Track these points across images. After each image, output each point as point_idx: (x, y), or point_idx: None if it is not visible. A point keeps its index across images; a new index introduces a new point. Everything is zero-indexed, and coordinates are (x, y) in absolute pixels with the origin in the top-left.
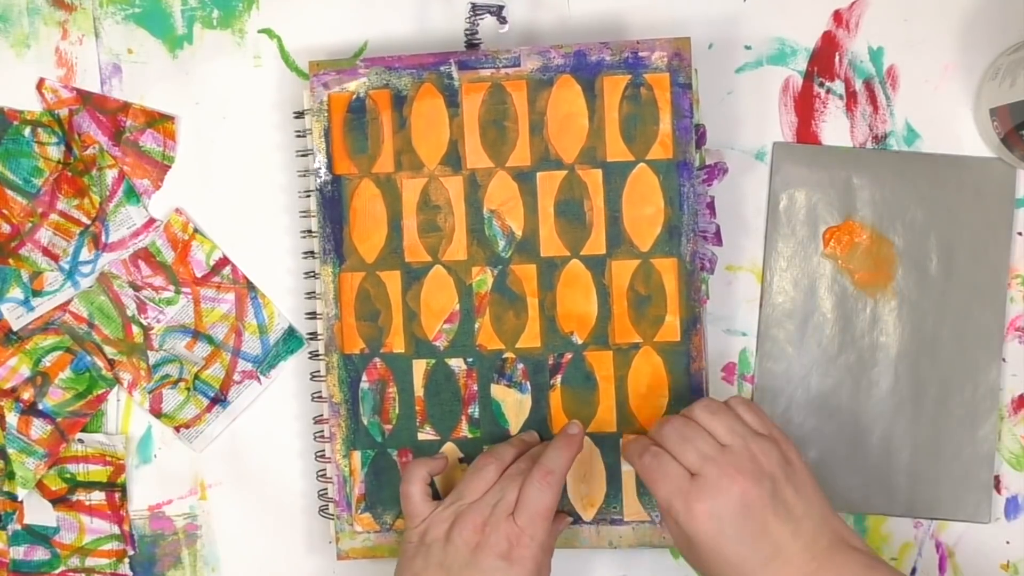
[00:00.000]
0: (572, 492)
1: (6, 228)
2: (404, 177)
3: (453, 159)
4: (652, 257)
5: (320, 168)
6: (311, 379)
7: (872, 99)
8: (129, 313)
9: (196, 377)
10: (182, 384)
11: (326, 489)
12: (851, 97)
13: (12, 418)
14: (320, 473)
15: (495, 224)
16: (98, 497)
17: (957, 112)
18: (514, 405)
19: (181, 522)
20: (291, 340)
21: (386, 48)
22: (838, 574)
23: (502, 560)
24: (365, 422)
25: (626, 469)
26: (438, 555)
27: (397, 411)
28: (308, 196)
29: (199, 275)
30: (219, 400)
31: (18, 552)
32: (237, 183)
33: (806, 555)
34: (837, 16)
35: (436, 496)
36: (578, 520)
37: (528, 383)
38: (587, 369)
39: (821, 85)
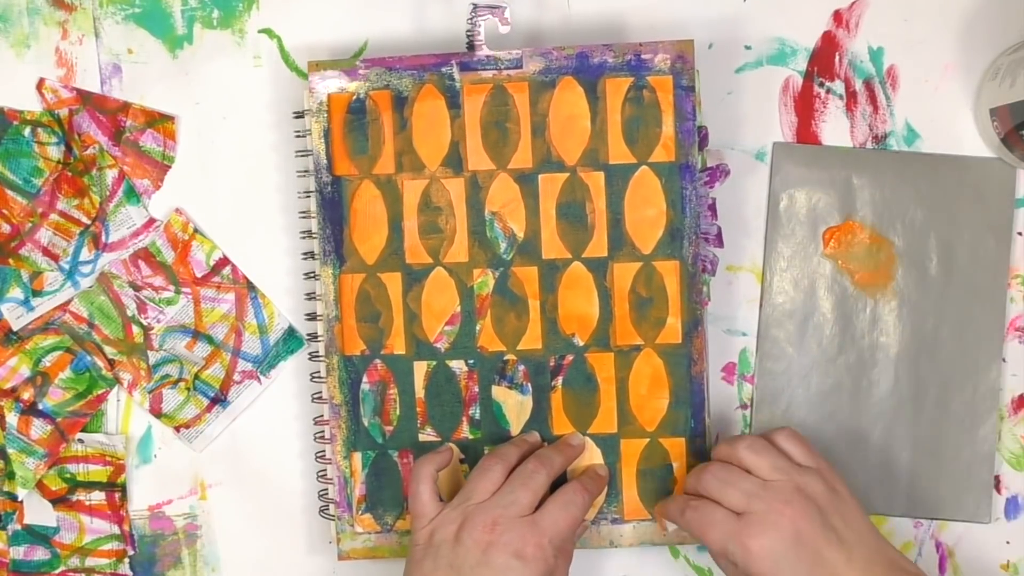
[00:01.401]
0: None
1: (6, 228)
2: (405, 178)
3: (454, 161)
4: (654, 259)
5: (320, 169)
6: (311, 380)
7: (872, 99)
8: (129, 313)
9: (196, 377)
10: (182, 384)
11: (326, 490)
12: (851, 97)
13: (12, 418)
14: (320, 474)
15: (496, 226)
16: (98, 497)
17: (957, 112)
18: (515, 406)
19: (181, 522)
20: (291, 340)
21: (386, 49)
22: None
23: (516, 559)
24: (366, 423)
25: (670, 530)
26: (448, 556)
27: (398, 412)
28: (308, 196)
29: (199, 275)
30: (219, 400)
31: (18, 552)
32: (237, 183)
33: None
34: (837, 16)
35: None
36: None
37: (529, 385)
38: (588, 371)
39: (821, 85)
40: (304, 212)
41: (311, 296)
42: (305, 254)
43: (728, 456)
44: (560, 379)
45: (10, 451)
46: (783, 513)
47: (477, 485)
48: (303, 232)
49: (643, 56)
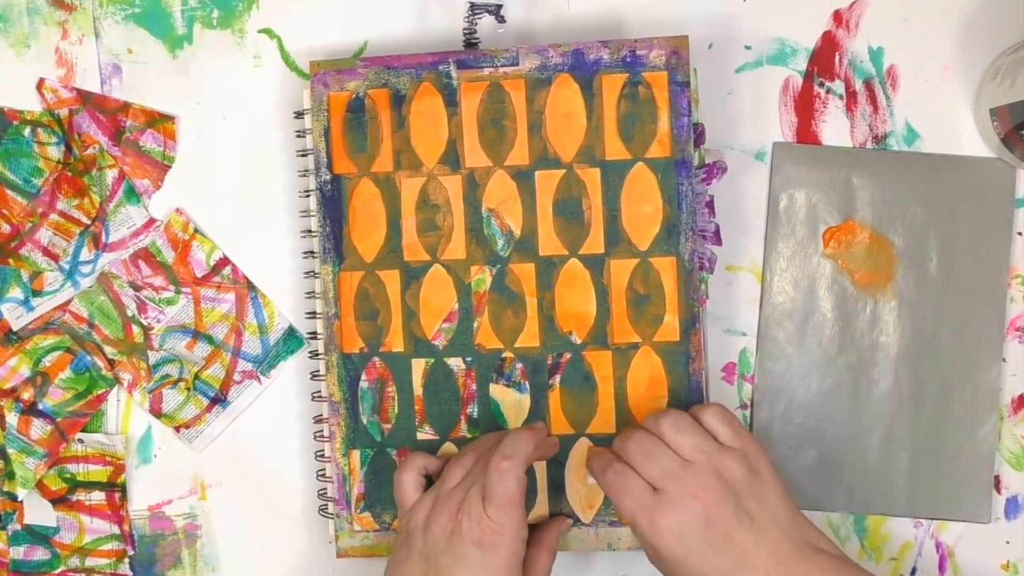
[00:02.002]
0: (571, 494)
1: (6, 228)
2: (403, 176)
3: (452, 158)
4: (651, 256)
5: (320, 167)
6: (311, 378)
7: (872, 99)
8: (129, 313)
9: (196, 377)
10: (182, 384)
11: (326, 488)
12: (851, 97)
13: (12, 418)
14: (320, 473)
15: (494, 223)
16: (98, 497)
17: (957, 112)
18: (513, 405)
19: (181, 522)
20: (291, 340)
21: (386, 48)
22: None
23: (476, 547)
24: (364, 421)
25: (591, 482)
26: (418, 544)
27: (396, 410)
28: (308, 196)
29: (199, 275)
30: (219, 400)
31: (18, 552)
32: (237, 183)
33: (772, 560)
34: (837, 16)
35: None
36: (577, 522)
37: (527, 383)
38: (586, 369)
39: (821, 85)
40: (304, 211)
41: (311, 295)
42: (305, 253)
43: (653, 429)
44: (558, 377)
45: (10, 451)
46: (697, 496)
47: (449, 472)
48: (303, 231)
49: (638, 52)
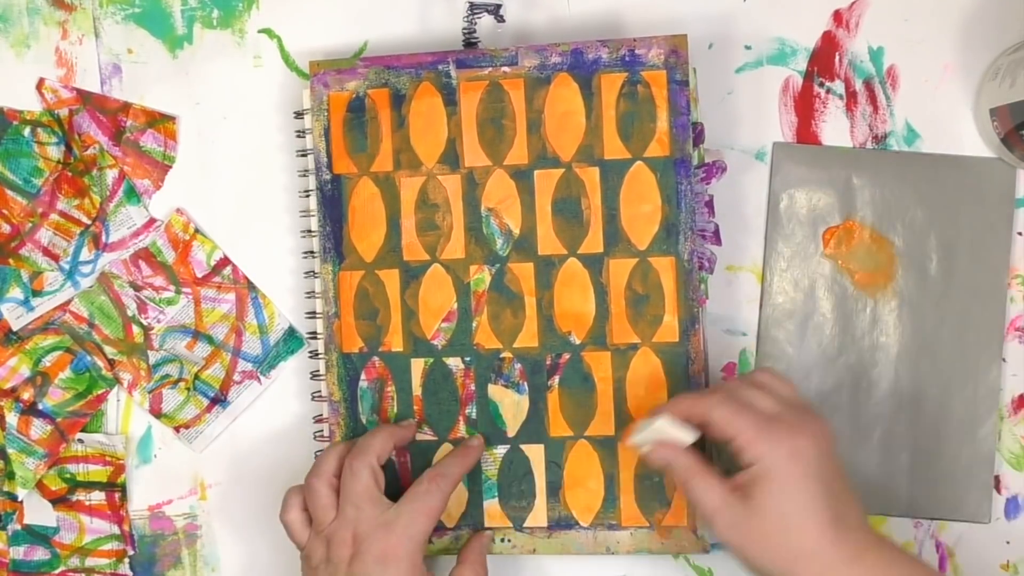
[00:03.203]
0: (569, 496)
1: (6, 228)
2: (402, 176)
3: (451, 158)
4: (650, 255)
5: (320, 167)
6: (311, 378)
7: (872, 99)
8: (129, 313)
9: (196, 377)
10: (182, 384)
11: None
12: (851, 97)
13: (12, 418)
14: None
15: (493, 222)
16: (98, 497)
17: (957, 112)
18: (511, 406)
19: (181, 522)
20: (291, 340)
21: (386, 48)
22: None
23: (378, 564)
24: (364, 421)
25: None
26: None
27: (395, 410)
28: (308, 196)
29: (200, 275)
30: (219, 400)
31: (18, 552)
32: (238, 183)
33: (863, 530)
34: (837, 16)
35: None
36: (576, 525)
37: (525, 383)
38: (585, 370)
39: (821, 85)
40: (304, 211)
41: (311, 294)
42: (305, 253)
43: (750, 379)
44: (557, 378)
45: (10, 451)
46: (814, 426)
47: (315, 510)
48: (304, 231)
49: (637, 52)
